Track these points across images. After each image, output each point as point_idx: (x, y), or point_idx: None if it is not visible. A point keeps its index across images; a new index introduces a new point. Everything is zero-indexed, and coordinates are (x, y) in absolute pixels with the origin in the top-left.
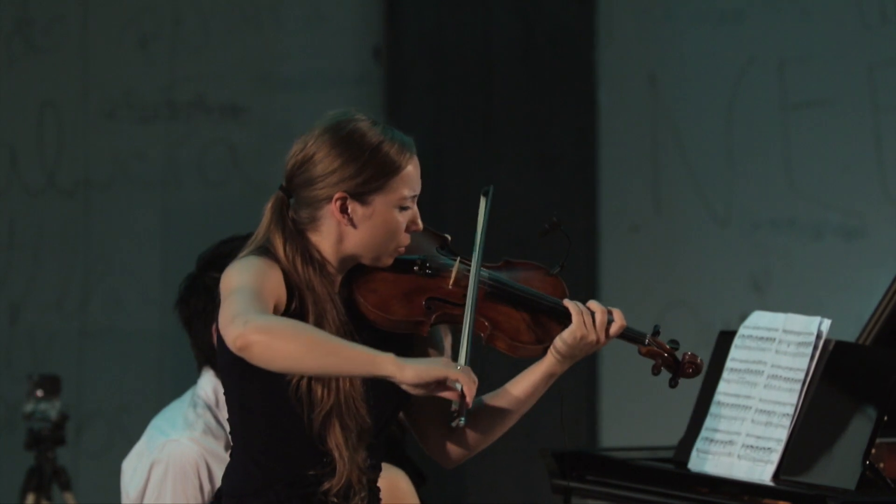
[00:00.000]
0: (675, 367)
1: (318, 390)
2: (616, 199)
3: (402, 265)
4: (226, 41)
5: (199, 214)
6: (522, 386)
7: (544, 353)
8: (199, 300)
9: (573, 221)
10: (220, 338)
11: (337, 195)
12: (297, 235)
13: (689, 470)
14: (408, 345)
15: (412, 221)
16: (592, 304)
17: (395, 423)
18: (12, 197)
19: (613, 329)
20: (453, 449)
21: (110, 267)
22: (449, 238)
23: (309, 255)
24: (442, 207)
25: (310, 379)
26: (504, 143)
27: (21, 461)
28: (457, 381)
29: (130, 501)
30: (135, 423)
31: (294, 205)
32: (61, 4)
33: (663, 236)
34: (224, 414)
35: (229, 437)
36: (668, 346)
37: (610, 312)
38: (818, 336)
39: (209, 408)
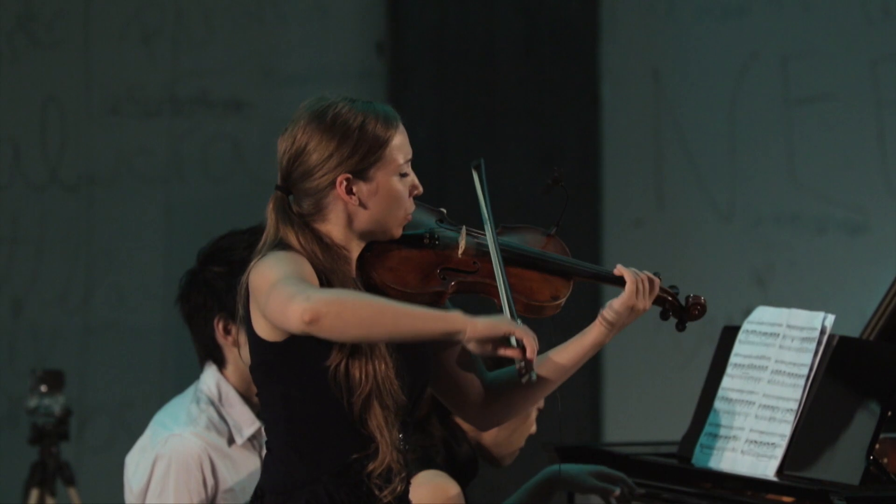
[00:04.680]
0: (681, 310)
1: (356, 374)
2: (619, 193)
3: (411, 241)
4: (229, 36)
5: (203, 210)
6: (569, 354)
7: (557, 310)
8: (200, 295)
9: (576, 216)
10: (253, 337)
11: (340, 178)
12: (306, 228)
13: (692, 465)
14: None
15: (413, 186)
16: (641, 273)
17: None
18: (16, 192)
19: (653, 293)
20: (493, 413)
21: (113, 262)
22: (444, 211)
23: (323, 242)
24: (445, 202)
25: (347, 364)
26: (507, 138)
27: (24, 456)
28: (520, 338)
29: (134, 496)
30: (138, 418)
31: (295, 200)
32: (64, 0)
33: (666, 231)
34: (227, 409)
35: (232, 432)
36: (671, 291)
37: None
38: (822, 331)
39: (212, 403)
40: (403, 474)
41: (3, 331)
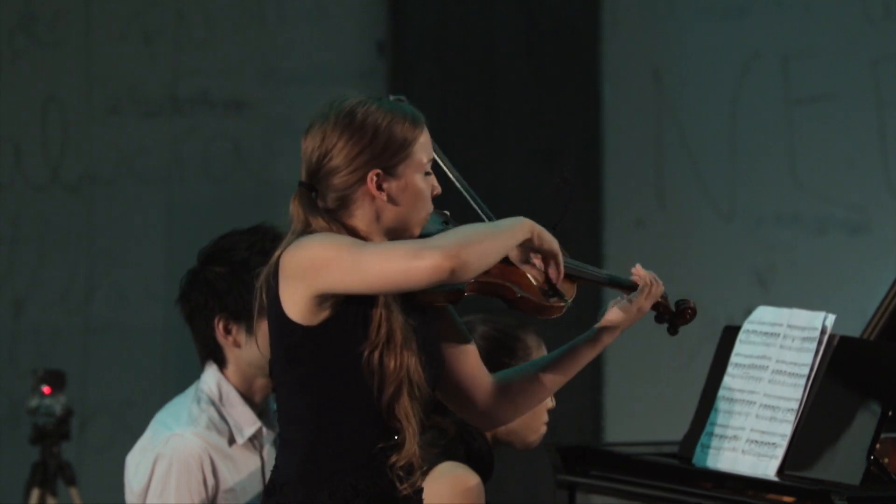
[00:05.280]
0: (673, 314)
1: (391, 364)
2: (620, 193)
3: None
4: (229, 36)
5: (204, 209)
6: (574, 354)
7: (562, 312)
8: (201, 295)
9: (577, 216)
10: (281, 323)
11: (371, 174)
12: (334, 220)
13: (693, 465)
14: (434, 319)
15: (434, 186)
16: (650, 274)
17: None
18: (16, 192)
19: (655, 296)
20: (498, 412)
21: (114, 262)
22: (448, 213)
23: (351, 232)
24: (446, 201)
25: (381, 353)
26: (508, 137)
27: (26, 456)
28: (556, 266)
29: (134, 496)
30: (139, 418)
31: (320, 196)
32: (65, 0)
33: (667, 231)
34: (228, 409)
35: (233, 432)
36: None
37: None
38: (822, 331)
39: (213, 403)
40: (424, 468)
41: (4, 331)
